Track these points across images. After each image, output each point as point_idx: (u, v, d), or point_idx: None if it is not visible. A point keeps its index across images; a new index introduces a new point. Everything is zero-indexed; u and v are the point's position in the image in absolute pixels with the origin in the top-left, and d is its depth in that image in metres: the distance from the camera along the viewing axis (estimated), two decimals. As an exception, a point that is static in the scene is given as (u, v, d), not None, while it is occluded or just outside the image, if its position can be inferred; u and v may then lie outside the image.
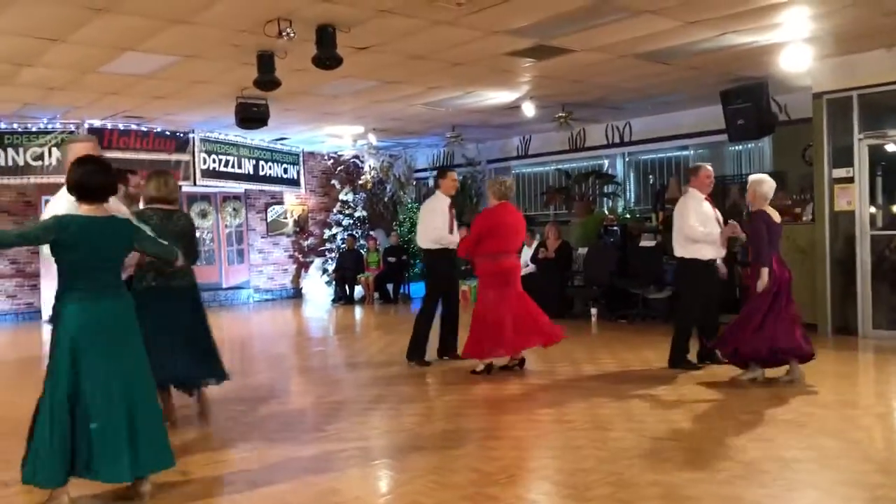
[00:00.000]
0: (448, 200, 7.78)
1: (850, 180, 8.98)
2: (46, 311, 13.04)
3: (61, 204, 4.33)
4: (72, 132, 12.57)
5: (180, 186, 5.76)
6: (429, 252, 7.81)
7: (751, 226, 6.62)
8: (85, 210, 3.88)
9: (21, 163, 12.46)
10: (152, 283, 5.35)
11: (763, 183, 6.63)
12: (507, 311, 6.97)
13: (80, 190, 3.88)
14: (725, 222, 7.23)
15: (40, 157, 12.55)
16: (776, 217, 6.58)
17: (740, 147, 11.95)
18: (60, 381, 3.74)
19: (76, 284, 3.82)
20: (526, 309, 7.10)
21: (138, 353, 3.97)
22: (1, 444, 5.16)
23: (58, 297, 3.88)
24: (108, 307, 3.88)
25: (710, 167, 7.29)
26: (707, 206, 7.08)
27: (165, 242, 4.27)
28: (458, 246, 7.50)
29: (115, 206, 4.31)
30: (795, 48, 8.47)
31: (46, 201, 13.12)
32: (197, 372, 5.63)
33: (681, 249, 7.10)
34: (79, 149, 4.37)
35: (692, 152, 12.67)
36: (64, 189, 4.27)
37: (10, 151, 12.37)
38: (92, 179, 3.87)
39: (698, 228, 6.94)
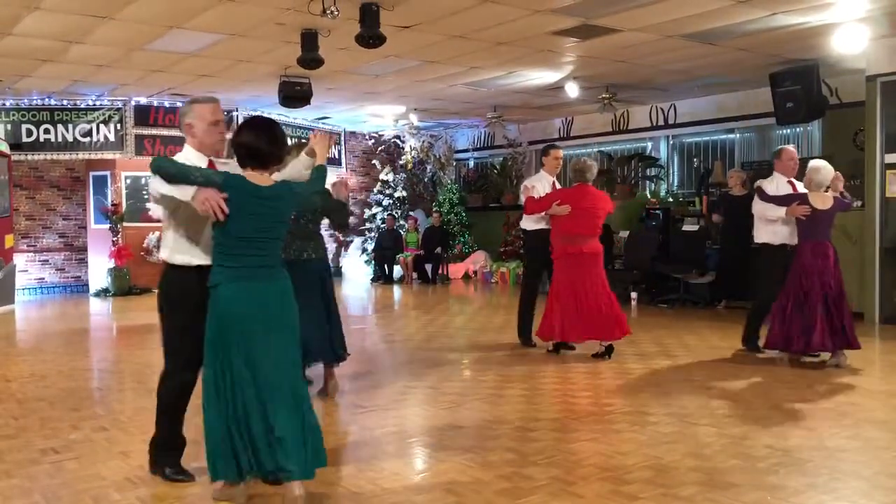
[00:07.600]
0: (550, 178, 7.60)
1: (904, 166, 8.76)
2: (94, 285, 13.34)
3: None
4: (118, 109, 12.79)
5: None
6: (524, 231, 7.80)
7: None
8: (248, 176, 3.49)
9: (70, 139, 12.74)
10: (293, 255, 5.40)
11: (818, 171, 6.50)
12: (573, 296, 6.84)
13: (249, 153, 3.50)
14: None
15: (89, 133, 12.80)
16: (824, 204, 6.44)
17: (788, 131, 11.69)
18: (223, 368, 3.41)
19: (232, 261, 3.44)
20: (593, 300, 6.86)
21: (292, 338, 3.57)
22: (50, 412, 5.30)
23: (211, 275, 3.48)
24: (264, 288, 3.47)
25: (792, 148, 7.03)
26: (787, 189, 6.80)
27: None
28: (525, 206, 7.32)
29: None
30: (849, 29, 8.24)
31: (95, 177, 13.45)
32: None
33: (755, 232, 7.02)
34: (205, 110, 3.78)
35: (738, 135, 12.44)
36: (185, 150, 3.81)
37: (60, 127, 12.65)
38: (263, 144, 3.49)
39: (764, 210, 6.78)
